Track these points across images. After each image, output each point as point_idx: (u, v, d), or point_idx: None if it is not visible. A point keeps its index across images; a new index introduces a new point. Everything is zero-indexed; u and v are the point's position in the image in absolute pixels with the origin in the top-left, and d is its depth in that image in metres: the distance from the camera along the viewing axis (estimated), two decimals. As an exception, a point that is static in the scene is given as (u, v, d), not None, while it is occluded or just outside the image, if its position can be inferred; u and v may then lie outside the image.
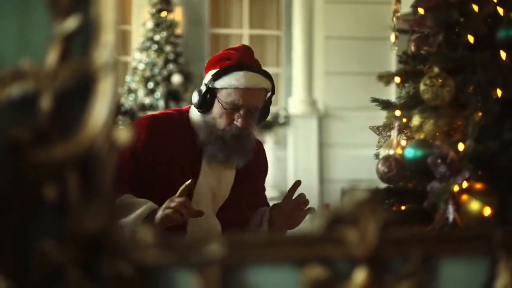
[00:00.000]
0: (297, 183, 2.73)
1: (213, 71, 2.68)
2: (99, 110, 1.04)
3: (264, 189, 2.95)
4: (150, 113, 2.80)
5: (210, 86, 2.65)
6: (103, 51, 1.05)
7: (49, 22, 1.08)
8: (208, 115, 2.68)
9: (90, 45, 1.06)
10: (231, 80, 2.65)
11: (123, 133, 1.05)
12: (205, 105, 2.67)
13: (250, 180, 2.78)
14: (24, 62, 1.05)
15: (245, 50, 2.77)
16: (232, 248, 1.08)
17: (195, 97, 2.69)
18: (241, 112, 2.64)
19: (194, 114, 2.71)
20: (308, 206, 2.70)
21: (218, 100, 2.64)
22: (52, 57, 1.05)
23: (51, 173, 1.04)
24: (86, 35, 1.07)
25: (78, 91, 1.06)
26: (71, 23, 1.06)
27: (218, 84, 2.65)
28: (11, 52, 1.08)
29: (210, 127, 2.67)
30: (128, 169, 2.60)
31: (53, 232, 1.07)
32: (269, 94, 2.74)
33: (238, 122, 2.63)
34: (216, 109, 2.65)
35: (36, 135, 1.04)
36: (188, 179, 2.55)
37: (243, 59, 2.71)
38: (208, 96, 2.67)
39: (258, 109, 2.69)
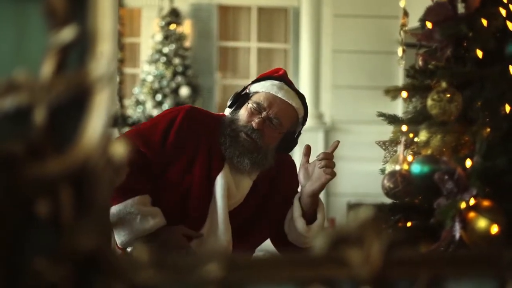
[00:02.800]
0: (335, 144, 2.77)
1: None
2: (95, 124, 1.01)
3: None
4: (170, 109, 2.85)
5: (247, 89, 2.78)
6: (99, 62, 1.02)
7: (45, 33, 1.05)
8: (235, 113, 2.77)
9: (86, 56, 1.03)
10: (265, 85, 2.76)
11: (119, 148, 1.02)
12: (235, 104, 2.79)
13: (265, 196, 2.80)
14: (19, 74, 1.02)
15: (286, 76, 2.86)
16: (231, 268, 1.05)
17: (231, 98, 2.82)
18: (262, 115, 2.69)
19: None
20: (324, 167, 2.72)
21: (247, 103, 2.74)
22: (47, 69, 1.02)
23: (44, 188, 1.01)
24: (82, 46, 1.04)
25: (73, 103, 1.02)
26: (67, 33, 1.03)
27: (254, 88, 2.78)
28: (6, 62, 1.05)
29: (230, 120, 2.75)
30: (154, 146, 2.66)
31: (46, 250, 1.03)
32: (300, 121, 2.82)
33: (254, 122, 2.69)
34: (243, 108, 2.74)
35: (29, 149, 1.00)
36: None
37: (286, 77, 2.82)
38: (241, 98, 2.78)
39: (280, 123, 2.73)
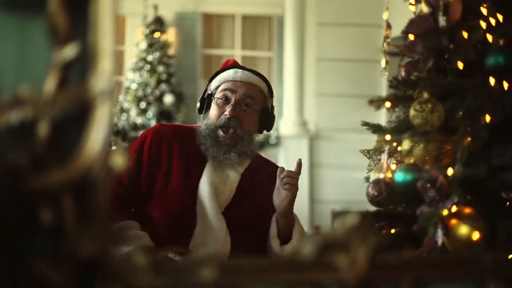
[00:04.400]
0: (299, 162, 2.76)
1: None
2: (96, 137, 1.06)
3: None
4: (141, 132, 2.89)
5: (208, 90, 2.80)
6: (100, 78, 1.07)
7: (48, 50, 1.10)
8: (206, 115, 2.78)
9: (88, 72, 1.09)
10: (220, 78, 2.79)
11: (119, 158, 1.07)
12: (203, 108, 2.81)
13: (256, 188, 2.80)
14: (23, 89, 1.07)
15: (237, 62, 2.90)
16: (225, 272, 1.10)
17: (197, 105, 2.85)
18: (232, 102, 2.73)
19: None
20: (285, 183, 2.72)
21: (213, 100, 2.76)
22: (50, 84, 1.07)
23: (48, 197, 1.06)
24: (83, 62, 1.09)
25: (75, 117, 1.08)
26: (69, 51, 1.08)
27: (213, 85, 2.80)
28: (11, 78, 1.10)
29: (205, 125, 2.76)
30: (131, 170, 2.68)
31: (50, 255, 1.08)
32: (267, 95, 2.82)
33: (227, 112, 2.72)
34: (212, 108, 2.77)
35: (34, 160, 1.06)
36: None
37: (236, 63, 2.86)
38: (206, 101, 2.81)
39: (251, 105, 2.76)
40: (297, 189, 2.74)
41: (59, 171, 1.06)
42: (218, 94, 2.76)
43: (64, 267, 1.08)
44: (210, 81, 2.85)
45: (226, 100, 2.74)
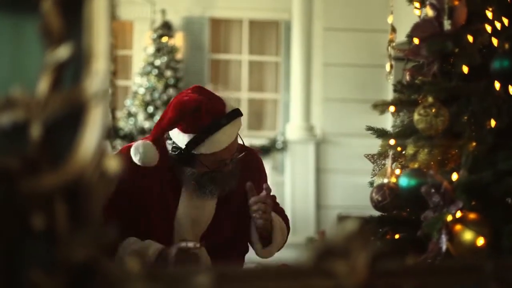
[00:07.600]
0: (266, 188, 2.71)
1: (185, 136, 2.62)
2: (89, 139, 1.04)
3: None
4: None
5: (189, 150, 2.62)
6: (94, 80, 1.05)
7: (42, 51, 1.08)
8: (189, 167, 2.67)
9: (81, 74, 1.07)
10: (210, 147, 2.61)
11: (113, 162, 1.05)
12: (186, 162, 2.66)
13: (234, 203, 2.76)
14: (15, 91, 1.05)
15: (208, 96, 2.67)
16: (220, 280, 1.08)
17: (172, 150, 2.66)
18: (227, 161, 2.64)
19: (169, 144, 2.67)
20: (255, 212, 2.67)
21: (201, 161, 2.63)
22: (43, 86, 1.05)
23: (40, 202, 1.04)
24: (77, 63, 1.07)
25: (69, 120, 1.06)
26: (63, 52, 1.06)
27: (198, 151, 2.62)
28: (3, 80, 1.09)
29: (193, 173, 2.66)
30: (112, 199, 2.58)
31: (42, 262, 1.06)
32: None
33: (225, 169, 2.65)
34: (200, 165, 2.64)
35: (26, 163, 1.04)
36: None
37: (212, 112, 2.63)
38: (188, 156, 2.64)
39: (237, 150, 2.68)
40: (269, 215, 2.70)
41: (51, 175, 1.04)
42: (209, 160, 2.62)
43: (58, 274, 1.06)
44: (193, 145, 2.61)
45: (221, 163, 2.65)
